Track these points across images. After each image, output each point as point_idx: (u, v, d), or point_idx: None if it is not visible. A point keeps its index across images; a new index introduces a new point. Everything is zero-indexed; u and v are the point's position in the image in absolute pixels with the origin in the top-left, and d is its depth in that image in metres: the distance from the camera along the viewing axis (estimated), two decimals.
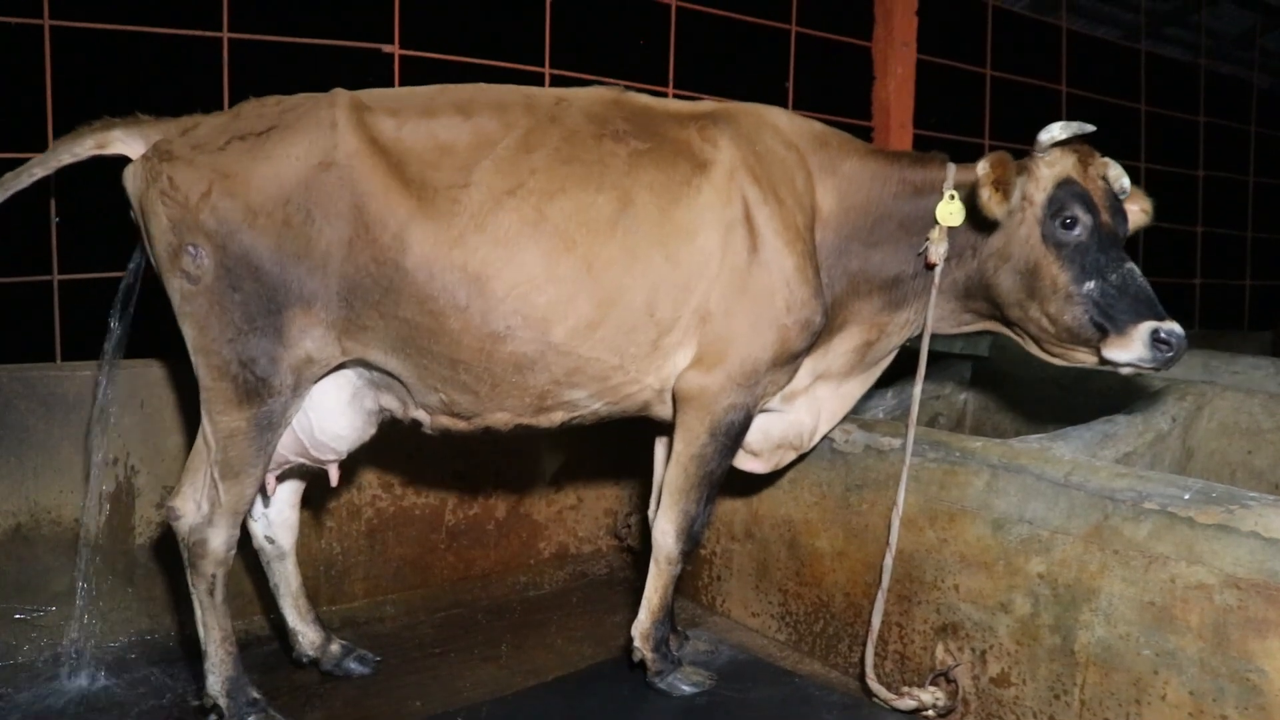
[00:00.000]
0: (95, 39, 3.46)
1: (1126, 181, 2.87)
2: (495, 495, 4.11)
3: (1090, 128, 2.76)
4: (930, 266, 2.89)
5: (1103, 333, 2.73)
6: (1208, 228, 7.39)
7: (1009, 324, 2.98)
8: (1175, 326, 2.68)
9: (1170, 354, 2.68)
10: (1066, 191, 2.75)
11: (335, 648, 3.16)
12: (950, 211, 2.83)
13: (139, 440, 3.34)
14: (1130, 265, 2.75)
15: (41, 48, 3.31)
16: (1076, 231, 2.74)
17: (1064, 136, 2.75)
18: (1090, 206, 2.74)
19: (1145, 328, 2.68)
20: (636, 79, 4.19)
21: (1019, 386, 4.34)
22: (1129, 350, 2.70)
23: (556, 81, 4.15)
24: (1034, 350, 2.97)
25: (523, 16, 4.38)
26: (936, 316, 2.98)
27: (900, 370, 3.80)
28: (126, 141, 2.60)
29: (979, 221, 2.82)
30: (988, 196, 2.69)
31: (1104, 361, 2.78)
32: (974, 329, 3.10)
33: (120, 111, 2.65)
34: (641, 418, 3.02)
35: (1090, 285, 2.73)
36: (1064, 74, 6.21)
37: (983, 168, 2.71)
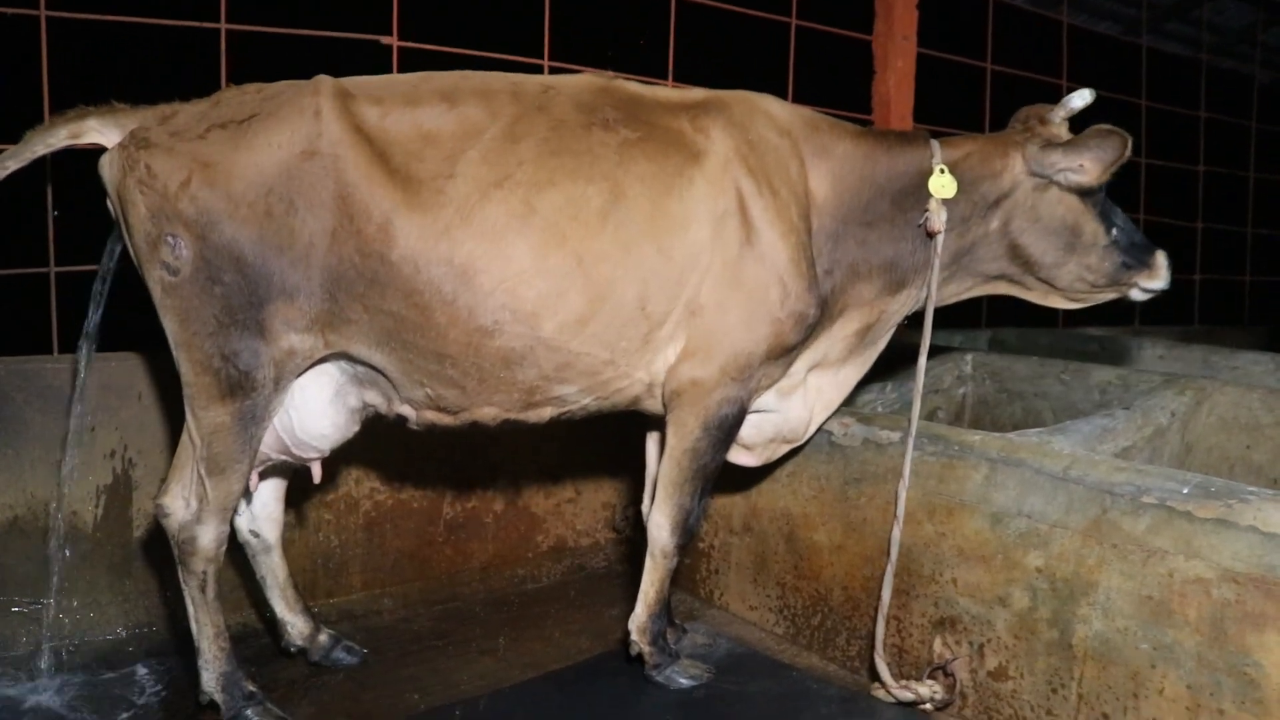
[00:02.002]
0: (92, 30, 3.44)
1: None
2: (493, 488, 4.10)
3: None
4: (932, 235, 2.91)
5: (1131, 270, 2.98)
6: (1208, 223, 7.38)
7: (1018, 281, 3.10)
8: None
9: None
10: None
11: (324, 638, 3.16)
12: (942, 184, 2.89)
13: (136, 432, 3.34)
14: (1116, 207, 3.03)
15: (38, 39, 3.30)
16: (1102, 188, 2.95)
17: (1092, 101, 2.91)
18: None
19: (1161, 256, 3.00)
20: (636, 72, 4.18)
21: (1018, 380, 4.34)
22: (1159, 278, 3.00)
23: (555, 74, 4.14)
24: (1053, 301, 3.13)
25: (522, 8, 4.37)
26: (937, 286, 3.00)
27: (899, 364, 3.80)
28: (102, 130, 2.54)
29: (985, 191, 2.94)
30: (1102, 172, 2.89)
31: (1130, 294, 3.03)
32: (972, 295, 3.19)
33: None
34: (631, 412, 3.01)
35: (1115, 232, 2.96)
36: (1065, 69, 6.20)
37: (1110, 154, 2.85)
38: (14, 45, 3.36)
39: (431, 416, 2.82)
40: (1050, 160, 2.88)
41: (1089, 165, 2.86)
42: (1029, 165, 2.91)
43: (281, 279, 2.51)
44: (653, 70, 4.42)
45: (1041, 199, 2.93)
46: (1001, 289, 3.16)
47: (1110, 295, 3.07)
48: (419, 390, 2.73)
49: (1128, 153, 2.83)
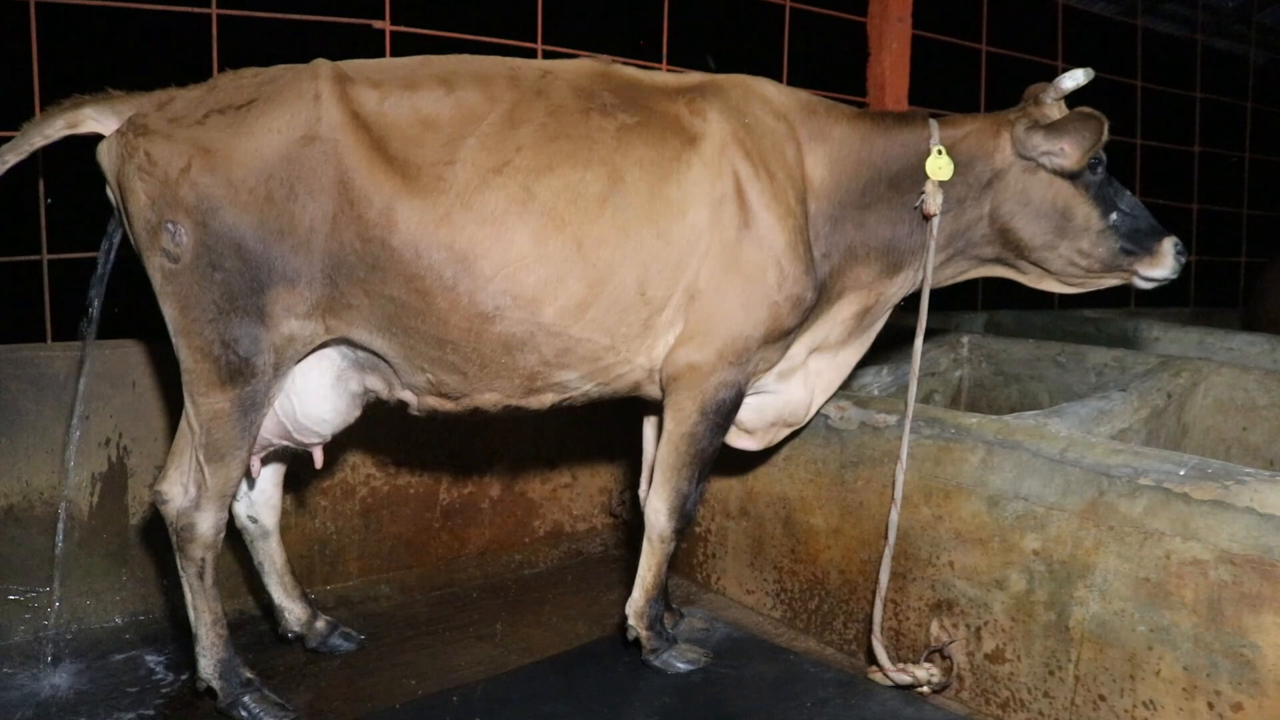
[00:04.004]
0: (83, 14, 3.41)
1: None
2: (490, 474, 4.10)
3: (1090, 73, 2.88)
4: (928, 217, 2.89)
5: (1132, 257, 2.91)
6: (1203, 205, 7.37)
7: (1013, 264, 3.07)
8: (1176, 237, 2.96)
9: (1184, 261, 2.94)
10: None
11: (321, 624, 3.16)
12: (939, 166, 2.87)
13: (131, 420, 3.33)
14: (1126, 190, 2.96)
15: (27, 23, 3.27)
16: (1099, 171, 2.90)
17: (1086, 82, 2.85)
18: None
19: (1169, 243, 2.91)
20: (630, 55, 4.16)
21: (1014, 363, 4.33)
22: (1163, 267, 2.92)
23: (549, 58, 4.11)
24: (1048, 285, 3.08)
25: None
26: (933, 269, 2.99)
27: (895, 347, 3.80)
28: (99, 119, 2.53)
29: (979, 173, 2.91)
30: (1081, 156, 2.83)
31: (1132, 281, 2.97)
32: (969, 277, 3.17)
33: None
34: (632, 398, 3.00)
35: (1114, 217, 2.90)
36: (1060, 50, 6.18)
37: (1088, 138, 2.80)
38: (3, 31, 3.32)
39: (433, 402, 2.82)
40: (1033, 143, 2.87)
41: (1068, 149, 2.84)
42: (1015, 147, 2.90)
43: (282, 265, 2.50)
44: (648, 54, 4.39)
45: (1031, 181, 2.90)
46: (998, 272, 3.14)
47: (1110, 281, 3.01)
48: (420, 376, 2.73)
49: (1104, 137, 2.80)
